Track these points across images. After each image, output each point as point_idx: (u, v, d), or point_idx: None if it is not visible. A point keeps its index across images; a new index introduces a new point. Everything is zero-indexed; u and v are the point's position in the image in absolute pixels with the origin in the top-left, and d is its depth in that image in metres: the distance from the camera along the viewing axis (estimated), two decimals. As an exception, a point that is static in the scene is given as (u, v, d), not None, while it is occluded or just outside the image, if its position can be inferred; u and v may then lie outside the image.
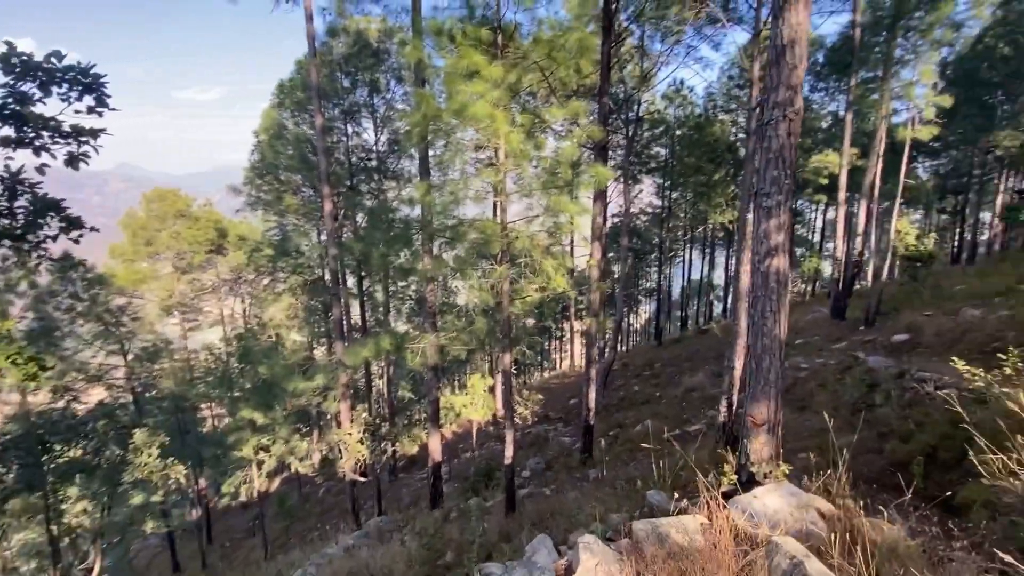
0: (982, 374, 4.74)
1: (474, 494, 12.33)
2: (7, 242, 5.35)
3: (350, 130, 18.70)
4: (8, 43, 4.52)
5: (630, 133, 21.49)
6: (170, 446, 17.09)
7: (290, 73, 19.09)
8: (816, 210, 34.77)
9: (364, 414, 18.89)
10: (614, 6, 10.39)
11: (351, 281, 20.49)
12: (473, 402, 16.14)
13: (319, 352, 27.29)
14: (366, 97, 18.69)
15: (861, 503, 3.17)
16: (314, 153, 17.25)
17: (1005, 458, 3.28)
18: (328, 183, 12.58)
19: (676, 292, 43.61)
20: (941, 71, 19.08)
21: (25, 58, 4.43)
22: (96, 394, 19.87)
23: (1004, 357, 4.82)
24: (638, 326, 46.68)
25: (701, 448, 7.96)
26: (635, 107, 21.48)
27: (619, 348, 31.68)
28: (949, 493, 3.46)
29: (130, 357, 20.94)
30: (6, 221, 5.30)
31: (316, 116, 12.57)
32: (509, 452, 7.84)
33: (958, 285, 15.52)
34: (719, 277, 43.19)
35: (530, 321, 27.07)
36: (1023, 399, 3.41)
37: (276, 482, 27.99)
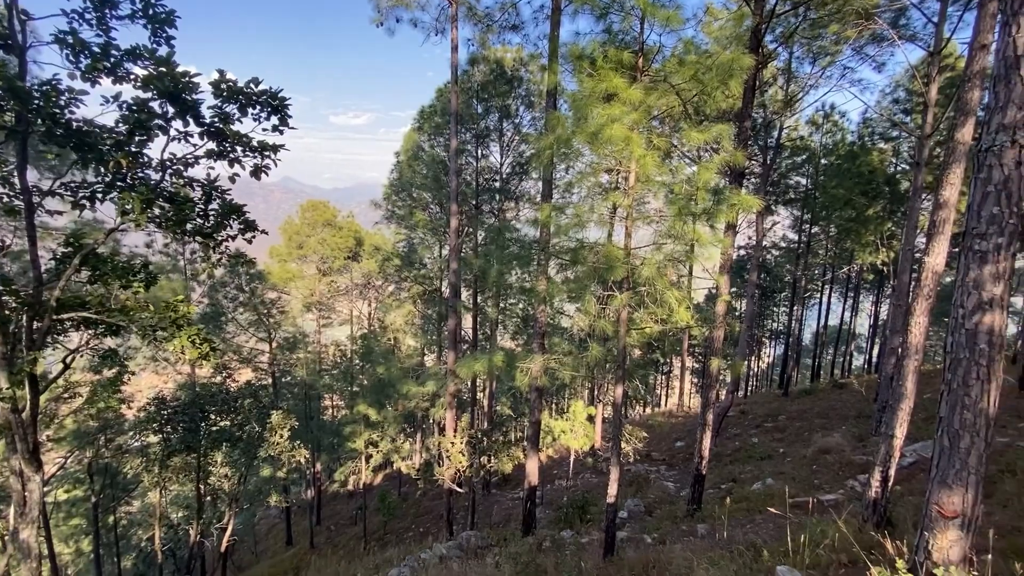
0: None
1: (567, 526, 11.89)
2: (199, 239, 6.34)
3: (479, 153, 19.68)
4: (220, 71, 5.39)
5: (767, 160, 19.92)
6: (297, 429, 19.00)
7: (430, 100, 20.70)
8: None
9: (466, 425, 19.37)
10: (763, 27, 9.73)
11: (465, 295, 21.34)
12: (573, 429, 15.68)
13: (429, 359, 28.77)
14: (496, 122, 19.60)
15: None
16: (446, 173, 18.41)
17: None
18: (456, 201, 13.27)
19: (807, 337, 39.10)
20: None
21: (231, 83, 5.24)
22: (245, 375, 22.86)
23: None
24: (758, 370, 42.48)
25: (843, 524, 6.82)
26: (775, 133, 19.91)
27: (737, 393, 28.98)
28: None
29: (274, 345, 23.85)
30: (200, 221, 6.29)
31: (451, 139, 13.39)
32: (613, 490, 7.39)
33: None
34: (863, 325, 37.91)
35: (636, 352, 25.98)
36: None
37: (380, 477, 29.74)
